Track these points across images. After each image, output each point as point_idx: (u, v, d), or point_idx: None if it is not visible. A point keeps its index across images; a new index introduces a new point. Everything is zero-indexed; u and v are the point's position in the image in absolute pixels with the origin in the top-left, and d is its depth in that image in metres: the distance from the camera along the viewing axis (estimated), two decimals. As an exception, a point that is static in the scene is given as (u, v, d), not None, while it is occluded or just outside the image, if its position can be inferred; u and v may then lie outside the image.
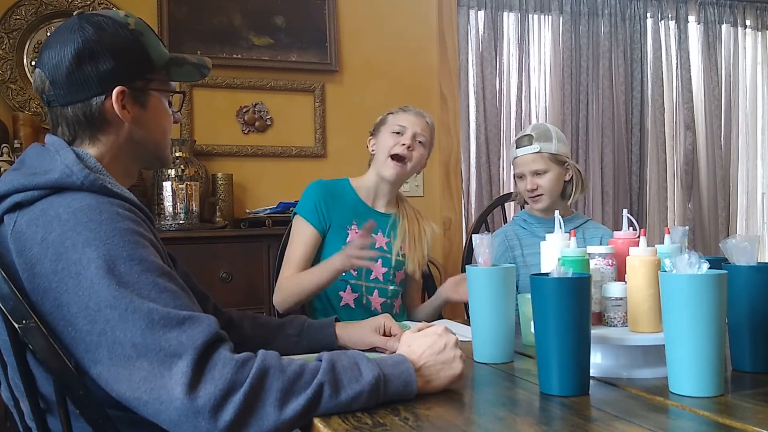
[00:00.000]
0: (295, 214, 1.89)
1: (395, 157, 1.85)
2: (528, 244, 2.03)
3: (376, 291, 1.86)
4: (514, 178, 2.15)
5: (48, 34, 2.64)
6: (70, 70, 1.05)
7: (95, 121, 1.08)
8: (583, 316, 0.98)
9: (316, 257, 1.85)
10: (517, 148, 2.05)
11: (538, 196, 2.03)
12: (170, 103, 1.19)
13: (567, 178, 2.05)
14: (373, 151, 1.92)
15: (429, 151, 1.93)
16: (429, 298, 2.01)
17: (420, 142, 1.87)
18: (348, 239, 1.84)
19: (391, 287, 1.88)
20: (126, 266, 0.91)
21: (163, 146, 1.19)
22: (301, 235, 1.84)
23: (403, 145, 1.84)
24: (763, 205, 3.89)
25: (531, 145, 2.02)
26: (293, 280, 1.78)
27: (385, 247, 1.89)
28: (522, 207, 2.45)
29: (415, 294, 2.04)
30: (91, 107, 1.07)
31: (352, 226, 1.86)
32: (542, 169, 2.01)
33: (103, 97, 1.07)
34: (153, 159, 1.19)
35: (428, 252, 1.98)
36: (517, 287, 1.95)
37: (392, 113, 1.92)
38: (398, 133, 1.86)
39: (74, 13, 1.11)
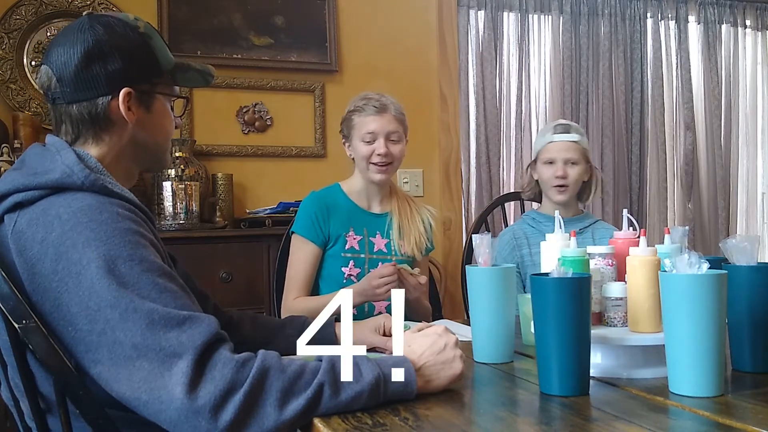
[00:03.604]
0: (293, 232, 1.87)
1: (376, 163, 1.82)
2: (536, 243, 2.00)
3: None
4: (530, 165, 2.12)
5: (48, 34, 2.64)
6: (78, 68, 1.05)
7: (100, 121, 1.08)
8: (583, 316, 0.98)
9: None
10: (554, 133, 2.02)
11: (564, 186, 2.00)
12: (172, 108, 1.20)
13: (585, 178, 2.04)
14: (351, 155, 1.88)
15: (406, 133, 1.87)
16: (430, 300, 1.99)
17: (393, 140, 1.82)
18: (346, 246, 1.83)
19: None
20: (126, 266, 0.91)
21: (164, 149, 1.20)
22: (302, 254, 1.84)
23: (379, 155, 1.80)
24: (763, 205, 3.89)
25: (570, 133, 2.01)
26: (305, 304, 1.77)
27: (384, 249, 1.87)
28: (522, 209, 2.45)
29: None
30: (97, 107, 1.07)
31: (349, 233, 1.85)
32: (575, 159, 2.00)
33: (110, 97, 1.08)
34: (154, 161, 1.20)
35: (428, 234, 1.93)
36: (524, 286, 1.95)
37: (356, 112, 1.84)
38: (369, 142, 1.81)
39: (84, 14, 1.12)
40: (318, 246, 1.83)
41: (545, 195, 2.10)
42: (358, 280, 1.81)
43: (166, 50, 1.15)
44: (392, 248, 1.88)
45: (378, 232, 1.88)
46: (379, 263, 1.83)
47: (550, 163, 2.02)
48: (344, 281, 1.82)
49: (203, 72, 1.21)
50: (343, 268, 1.83)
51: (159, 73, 1.13)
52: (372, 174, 1.83)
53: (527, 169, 2.16)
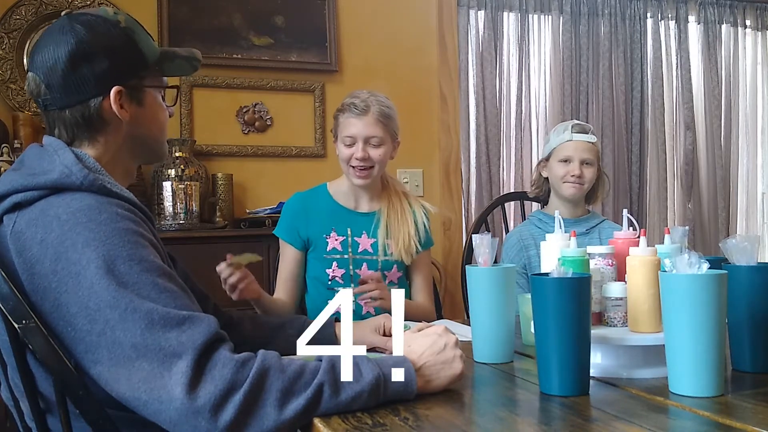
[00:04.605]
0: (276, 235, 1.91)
1: (355, 167, 1.79)
2: None
3: None
4: (540, 163, 2.11)
5: (48, 34, 2.64)
6: (65, 72, 1.04)
7: (94, 123, 1.08)
8: (583, 316, 0.98)
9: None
10: (573, 132, 2.02)
11: (579, 184, 2.01)
12: (163, 98, 1.19)
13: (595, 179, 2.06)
14: (338, 154, 1.85)
15: (393, 135, 1.82)
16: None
17: (373, 144, 1.77)
18: (328, 248, 1.83)
19: None
20: (125, 266, 0.91)
21: (161, 141, 1.19)
22: (284, 256, 1.88)
23: (357, 159, 1.77)
24: (763, 205, 3.89)
25: (588, 134, 2.02)
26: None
27: (370, 249, 1.84)
28: (522, 209, 2.44)
29: (422, 287, 1.92)
30: (90, 109, 1.07)
31: (331, 234, 1.83)
32: (591, 160, 2.01)
33: (101, 98, 1.07)
34: (152, 155, 1.20)
35: (419, 236, 1.87)
36: None
37: (341, 112, 1.81)
38: (349, 145, 1.78)
39: (62, 14, 1.11)
40: (297, 249, 1.85)
41: (555, 193, 2.09)
42: (344, 281, 1.81)
43: (149, 41, 1.13)
44: (378, 248, 1.84)
45: (364, 232, 1.85)
46: (364, 264, 1.82)
47: (566, 161, 2.02)
48: (329, 282, 1.82)
49: (189, 58, 1.19)
50: (327, 270, 1.82)
51: (145, 66, 1.12)
52: (352, 178, 1.81)
53: (536, 167, 2.16)
